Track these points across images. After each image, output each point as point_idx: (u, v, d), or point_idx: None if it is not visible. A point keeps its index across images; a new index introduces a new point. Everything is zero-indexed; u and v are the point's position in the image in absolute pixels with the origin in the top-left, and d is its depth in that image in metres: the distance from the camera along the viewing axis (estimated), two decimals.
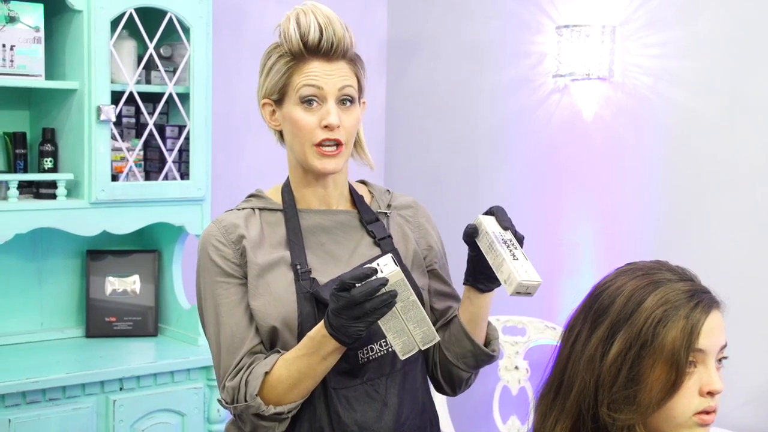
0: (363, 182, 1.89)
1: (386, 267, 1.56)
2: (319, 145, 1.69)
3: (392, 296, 1.56)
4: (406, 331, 1.60)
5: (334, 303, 1.57)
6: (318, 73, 1.68)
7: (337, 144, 1.69)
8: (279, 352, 1.68)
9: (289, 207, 1.77)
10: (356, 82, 1.73)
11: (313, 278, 1.70)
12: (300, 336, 1.67)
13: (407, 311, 1.59)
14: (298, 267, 1.70)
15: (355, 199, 1.81)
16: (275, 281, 1.70)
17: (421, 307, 1.60)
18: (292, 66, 1.70)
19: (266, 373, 1.65)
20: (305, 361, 1.62)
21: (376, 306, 1.54)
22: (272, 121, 1.76)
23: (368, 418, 1.69)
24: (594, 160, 3.16)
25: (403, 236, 1.81)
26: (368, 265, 1.57)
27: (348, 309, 1.55)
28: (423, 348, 1.61)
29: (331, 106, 1.68)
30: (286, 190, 1.79)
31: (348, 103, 1.71)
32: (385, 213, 1.83)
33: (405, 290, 1.58)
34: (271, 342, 1.71)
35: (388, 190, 1.88)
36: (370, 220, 1.79)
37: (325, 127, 1.68)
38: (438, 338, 1.63)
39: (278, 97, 1.73)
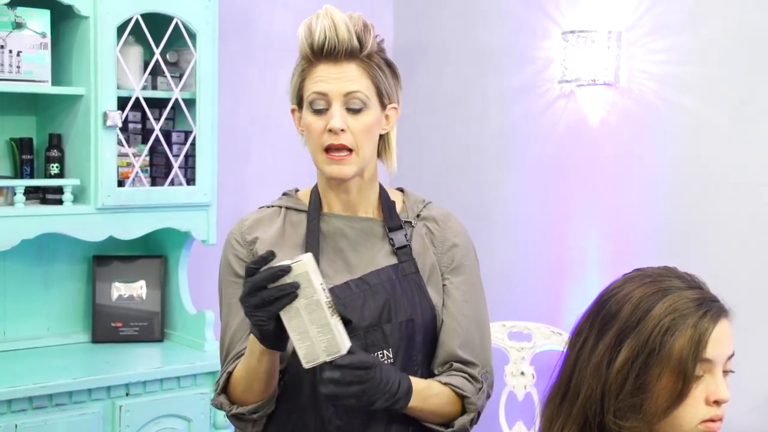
0: (401, 190, 1.85)
1: (296, 259, 1.51)
2: (327, 150, 1.67)
3: (293, 287, 1.48)
4: (309, 336, 1.51)
5: (242, 290, 1.54)
6: (323, 77, 1.67)
7: (347, 149, 1.67)
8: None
9: (313, 209, 1.76)
10: (369, 86, 1.68)
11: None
12: None
13: (311, 312, 1.50)
14: None
15: (384, 205, 1.78)
16: None
17: (327, 313, 1.50)
18: (305, 70, 1.70)
19: (229, 373, 1.68)
20: (246, 361, 1.63)
21: (275, 294, 1.48)
22: (299, 126, 1.75)
23: (354, 426, 1.69)
24: (600, 166, 3.16)
25: (423, 248, 1.76)
26: (271, 250, 1.54)
27: (249, 295, 1.51)
28: (327, 359, 1.51)
29: (335, 110, 1.66)
30: (315, 191, 1.79)
31: (357, 110, 1.67)
32: (410, 222, 1.78)
33: (309, 287, 1.50)
34: None
35: (423, 200, 1.83)
36: (393, 227, 1.76)
37: (330, 131, 1.66)
38: (344, 351, 1.51)
39: (297, 102, 1.73)
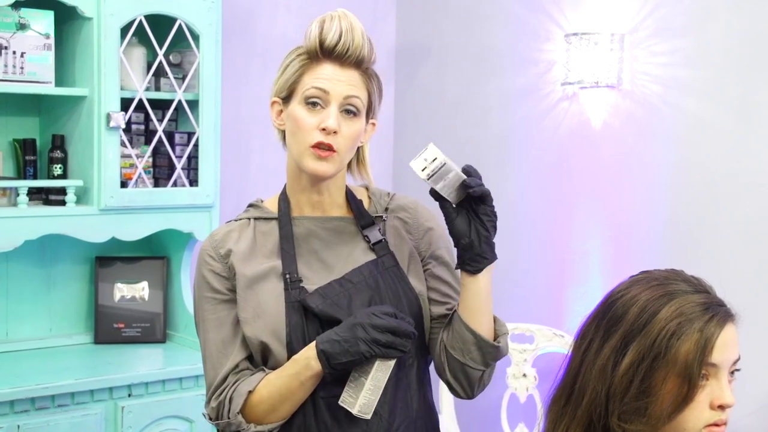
0: (365, 187, 1.87)
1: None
2: (315, 147, 1.67)
3: (404, 349, 1.60)
4: (378, 392, 1.61)
5: (367, 318, 1.59)
6: (327, 76, 1.68)
7: (332, 149, 1.67)
8: (264, 370, 1.70)
9: (284, 215, 1.77)
10: (366, 97, 1.72)
11: (302, 287, 1.70)
12: (288, 346, 1.67)
13: (380, 370, 1.60)
14: (288, 276, 1.70)
15: (352, 203, 1.79)
16: (264, 292, 1.71)
17: (386, 379, 1.62)
18: (306, 65, 1.70)
19: (250, 392, 1.67)
20: (286, 382, 1.64)
21: (398, 345, 1.59)
22: (278, 119, 1.76)
23: (357, 428, 1.68)
24: (602, 169, 3.16)
25: (399, 239, 1.79)
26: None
27: (380, 331, 1.58)
28: (354, 413, 1.61)
29: (332, 110, 1.67)
30: (283, 197, 1.79)
31: (351, 115, 1.70)
32: (381, 216, 1.81)
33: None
34: (263, 355, 1.71)
35: (388, 193, 1.86)
36: (366, 224, 1.78)
37: (323, 129, 1.67)
38: (368, 417, 1.63)
39: (287, 95, 1.72)
